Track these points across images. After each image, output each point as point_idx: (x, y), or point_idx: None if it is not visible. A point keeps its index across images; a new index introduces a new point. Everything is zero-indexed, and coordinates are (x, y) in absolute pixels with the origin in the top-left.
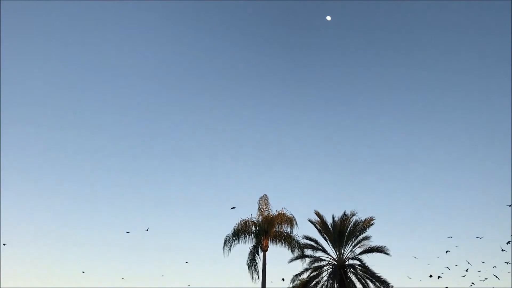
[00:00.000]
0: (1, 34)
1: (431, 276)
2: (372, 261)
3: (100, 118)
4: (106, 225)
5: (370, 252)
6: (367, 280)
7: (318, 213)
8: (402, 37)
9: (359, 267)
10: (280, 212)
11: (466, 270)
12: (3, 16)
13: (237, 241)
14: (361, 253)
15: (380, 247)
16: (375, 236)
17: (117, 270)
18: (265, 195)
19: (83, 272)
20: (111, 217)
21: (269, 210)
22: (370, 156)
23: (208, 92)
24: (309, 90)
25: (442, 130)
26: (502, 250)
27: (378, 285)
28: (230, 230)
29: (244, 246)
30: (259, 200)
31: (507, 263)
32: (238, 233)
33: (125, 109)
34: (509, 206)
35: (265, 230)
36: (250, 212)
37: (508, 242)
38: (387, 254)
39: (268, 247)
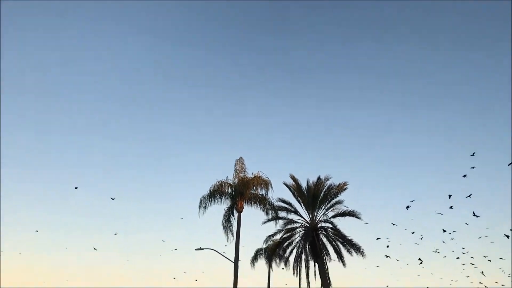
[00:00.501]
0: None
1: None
2: (345, 225)
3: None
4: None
5: (342, 216)
6: (338, 243)
7: (293, 176)
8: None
9: (331, 230)
10: (256, 175)
11: (421, 238)
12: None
13: (212, 202)
14: (334, 216)
15: (352, 211)
16: (350, 202)
17: (99, 232)
18: (241, 157)
19: (36, 231)
20: (85, 183)
21: (245, 173)
22: (346, 124)
23: (187, 61)
24: (286, 55)
25: (417, 99)
26: (464, 176)
27: (349, 247)
28: (206, 191)
29: (220, 207)
30: (235, 163)
31: (487, 228)
32: (214, 194)
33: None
34: (472, 168)
35: (241, 192)
36: (227, 174)
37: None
38: (359, 218)
39: (243, 208)
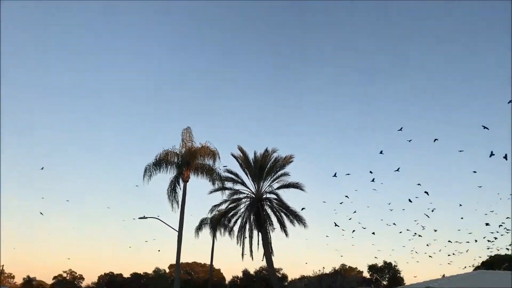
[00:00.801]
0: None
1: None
2: (289, 196)
3: None
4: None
5: (287, 188)
6: (282, 214)
7: (241, 148)
8: None
9: (275, 200)
10: (204, 145)
11: (354, 212)
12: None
13: (158, 170)
14: (279, 188)
15: (296, 183)
16: (297, 175)
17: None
18: (189, 127)
19: None
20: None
21: (193, 143)
22: (297, 98)
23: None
24: (236, 30)
25: (372, 74)
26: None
27: (292, 218)
28: (152, 160)
29: (166, 176)
30: (182, 132)
31: (430, 203)
32: (160, 162)
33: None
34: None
35: (187, 162)
36: (174, 143)
37: None
38: (302, 190)
39: (189, 178)
